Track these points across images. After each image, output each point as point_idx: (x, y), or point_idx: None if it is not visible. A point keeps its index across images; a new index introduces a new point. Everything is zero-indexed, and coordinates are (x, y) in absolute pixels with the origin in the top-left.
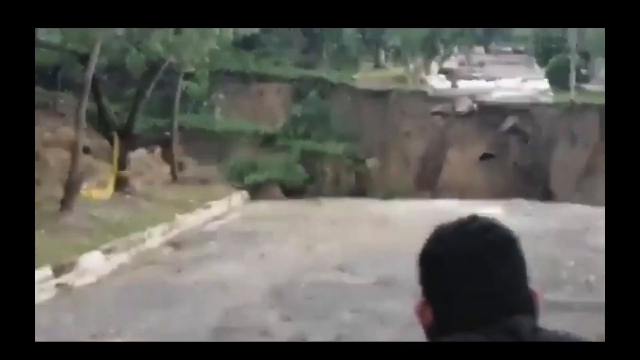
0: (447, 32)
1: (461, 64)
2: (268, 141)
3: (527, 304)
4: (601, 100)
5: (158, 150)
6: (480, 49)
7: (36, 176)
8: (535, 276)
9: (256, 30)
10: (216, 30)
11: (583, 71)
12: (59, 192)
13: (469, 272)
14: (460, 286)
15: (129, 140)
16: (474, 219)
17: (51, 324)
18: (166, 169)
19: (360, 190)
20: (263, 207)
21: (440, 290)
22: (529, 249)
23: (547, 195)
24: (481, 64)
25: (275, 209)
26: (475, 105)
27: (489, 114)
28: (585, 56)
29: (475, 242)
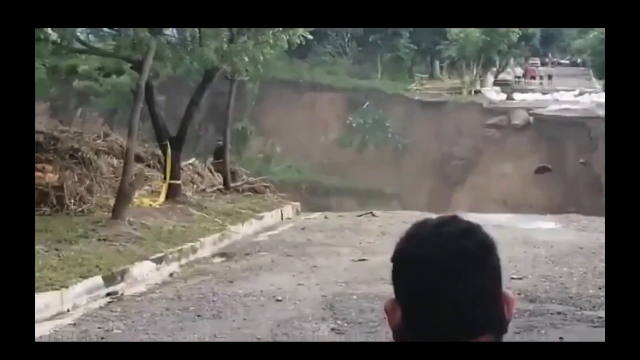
0: (503, 44)
1: (517, 76)
2: None
3: (494, 317)
4: None
5: (211, 159)
6: (536, 61)
7: (88, 184)
8: (591, 292)
9: (310, 38)
10: (270, 39)
11: None
12: (111, 201)
13: (440, 277)
14: (430, 291)
15: (181, 149)
16: (452, 220)
17: (102, 333)
18: (219, 178)
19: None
20: (315, 218)
21: (410, 292)
22: (584, 264)
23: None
24: (535, 77)
25: (327, 221)
26: (531, 118)
27: (545, 126)
28: None
29: (450, 247)
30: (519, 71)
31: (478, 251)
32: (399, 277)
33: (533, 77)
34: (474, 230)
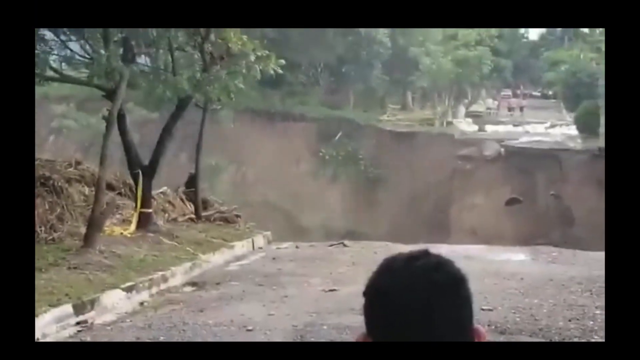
0: (475, 75)
1: (488, 107)
2: None
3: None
4: None
5: (182, 188)
6: (507, 93)
7: (59, 212)
8: (561, 325)
9: (282, 69)
10: (243, 69)
11: None
12: (82, 229)
13: (411, 311)
14: (401, 324)
15: (153, 178)
16: (425, 254)
17: None
18: (190, 207)
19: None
20: (286, 247)
21: (381, 325)
22: (554, 296)
23: (574, 241)
24: (509, 108)
25: (298, 251)
26: (502, 150)
27: (516, 158)
28: None
29: (424, 281)
30: (491, 103)
31: (449, 284)
32: (371, 310)
33: (509, 109)
34: (445, 264)
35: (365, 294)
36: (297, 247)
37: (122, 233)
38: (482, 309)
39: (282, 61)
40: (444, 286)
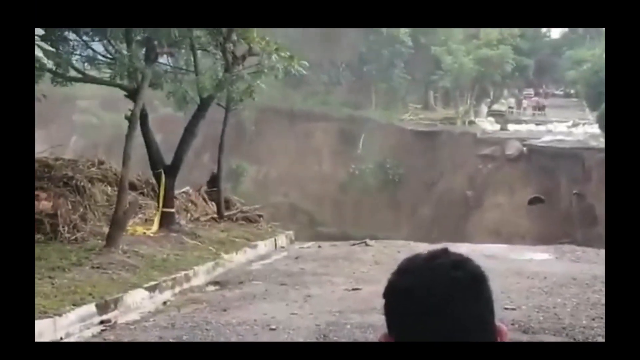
0: (497, 74)
1: (511, 106)
2: None
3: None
4: None
5: (204, 187)
6: (530, 92)
7: (82, 211)
8: (585, 324)
9: (305, 67)
10: (265, 69)
11: None
12: (105, 228)
13: (433, 310)
14: (423, 323)
15: (176, 177)
16: (444, 253)
17: None
18: (212, 206)
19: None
20: (308, 247)
21: (403, 325)
22: (577, 295)
23: (597, 240)
24: (536, 107)
25: (320, 250)
26: (524, 149)
27: (538, 157)
28: None
29: (444, 279)
30: (513, 102)
31: (470, 282)
32: (391, 310)
33: (536, 108)
34: (465, 263)
35: (385, 294)
36: (319, 246)
37: (144, 233)
38: (506, 308)
39: (305, 62)
40: (464, 284)
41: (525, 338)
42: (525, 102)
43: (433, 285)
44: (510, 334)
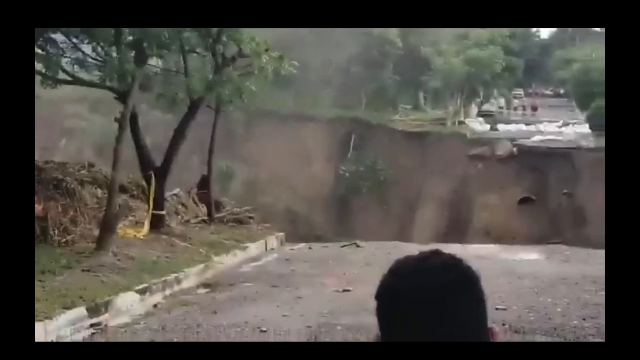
0: (486, 74)
1: (501, 106)
2: None
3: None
4: None
5: (195, 189)
6: (520, 92)
7: (72, 214)
8: (575, 323)
9: (295, 68)
10: (255, 70)
11: None
12: (95, 231)
13: (427, 310)
14: (415, 325)
15: (166, 180)
16: (436, 254)
17: None
18: (203, 208)
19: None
20: (299, 248)
21: (395, 326)
22: (567, 295)
23: (587, 240)
24: (520, 107)
25: (311, 251)
26: (514, 149)
27: (529, 157)
28: None
29: (436, 280)
30: (503, 102)
31: (462, 284)
32: (383, 312)
33: (534, 109)
34: (456, 264)
35: (377, 295)
36: (310, 248)
37: (135, 235)
38: (497, 309)
39: (295, 63)
40: (456, 285)
41: (516, 338)
42: (516, 102)
43: (424, 287)
44: (501, 335)
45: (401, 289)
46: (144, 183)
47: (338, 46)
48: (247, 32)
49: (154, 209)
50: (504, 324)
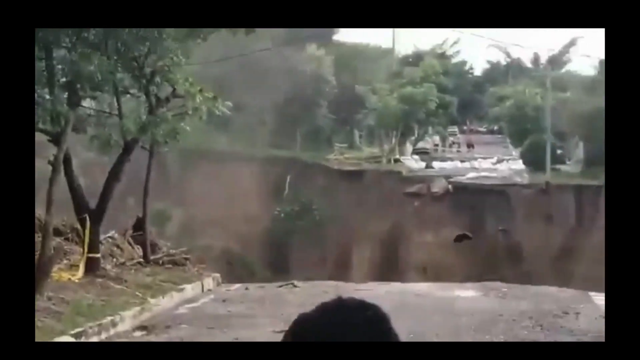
0: (421, 112)
1: (436, 144)
2: None
3: None
4: (577, 182)
5: (130, 231)
6: (454, 129)
7: None
8: None
9: (229, 111)
10: (189, 110)
11: (559, 151)
12: None
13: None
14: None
15: (101, 222)
16: (339, 301)
17: None
18: (138, 250)
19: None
20: (236, 289)
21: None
22: (505, 332)
23: (523, 276)
24: (456, 144)
25: (247, 292)
26: (450, 186)
27: (464, 194)
28: (561, 136)
29: (342, 326)
30: (437, 139)
31: (372, 325)
32: (297, 336)
33: (470, 146)
34: (363, 307)
35: (295, 323)
36: (246, 288)
37: (70, 279)
38: None
39: (229, 103)
40: (365, 327)
41: None
42: (451, 139)
43: (344, 322)
44: None
45: (321, 323)
46: (78, 226)
47: (272, 86)
48: (180, 72)
49: (89, 252)
50: None
